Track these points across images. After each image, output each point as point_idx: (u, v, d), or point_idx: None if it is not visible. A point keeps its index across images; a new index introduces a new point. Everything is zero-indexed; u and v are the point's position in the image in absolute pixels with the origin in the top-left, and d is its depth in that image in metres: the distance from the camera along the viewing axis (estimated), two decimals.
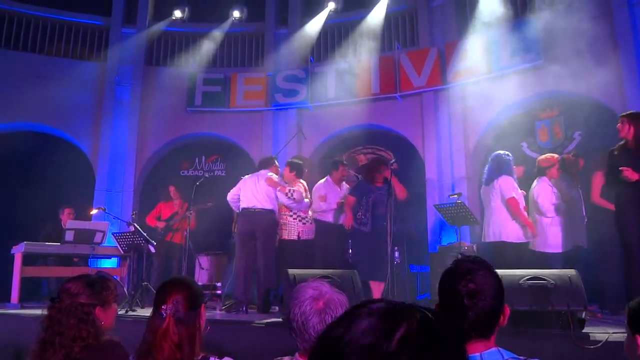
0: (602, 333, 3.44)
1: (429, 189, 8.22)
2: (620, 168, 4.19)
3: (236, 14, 10.01)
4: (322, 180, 6.26)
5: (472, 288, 1.43)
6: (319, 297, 1.62)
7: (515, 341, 3.49)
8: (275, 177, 5.81)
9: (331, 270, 4.22)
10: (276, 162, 6.26)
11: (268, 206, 5.66)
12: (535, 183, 5.41)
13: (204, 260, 7.02)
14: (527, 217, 5.10)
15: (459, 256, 1.64)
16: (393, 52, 9.04)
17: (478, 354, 1.40)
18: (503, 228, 5.06)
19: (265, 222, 5.63)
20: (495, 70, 7.88)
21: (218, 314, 5.46)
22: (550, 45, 7.33)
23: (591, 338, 3.35)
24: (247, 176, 5.98)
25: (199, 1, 10.24)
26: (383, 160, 5.77)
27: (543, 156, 5.60)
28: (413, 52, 8.84)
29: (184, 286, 1.78)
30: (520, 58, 7.64)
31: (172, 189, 7.60)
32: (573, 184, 5.49)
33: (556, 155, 5.58)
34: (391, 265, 5.18)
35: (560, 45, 7.18)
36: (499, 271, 3.74)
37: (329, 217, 6.03)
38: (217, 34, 9.99)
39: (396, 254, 6.38)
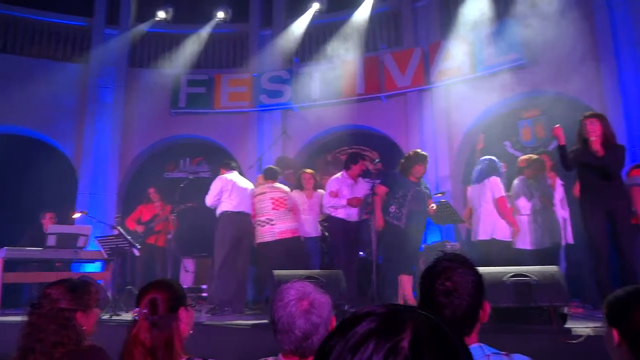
0: (583, 328, 3.50)
1: None
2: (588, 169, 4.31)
3: (220, 14, 9.97)
4: (337, 175, 5.97)
5: (448, 286, 1.45)
6: (303, 297, 1.62)
7: (499, 337, 3.54)
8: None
9: (317, 270, 4.23)
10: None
11: (251, 211, 5.84)
12: (514, 182, 5.61)
13: (189, 263, 6.98)
14: (513, 217, 5.21)
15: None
16: (377, 52, 9.08)
17: None
18: (495, 226, 5.20)
19: (251, 226, 5.76)
20: (478, 71, 7.96)
21: (204, 316, 5.43)
22: (532, 45, 7.41)
23: (573, 333, 3.40)
24: (227, 177, 5.89)
25: (183, 2, 10.18)
26: (421, 155, 5.35)
27: (522, 157, 5.83)
28: (397, 53, 8.88)
29: (162, 288, 1.76)
30: (503, 58, 7.72)
31: (151, 190, 7.51)
32: (550, 183, 5.58)
33: (534, 156, 5.75)
34: (377, 266, 5.20)
35: (542, 46, 7.27)
36: (483, 269, 3.78)
37: (340, 213, 5.69)
38: (201, 35, 9.94)
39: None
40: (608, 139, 4.38)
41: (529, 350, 3.33)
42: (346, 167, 5.90)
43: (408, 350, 0.57)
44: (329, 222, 5.88)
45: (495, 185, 5.25)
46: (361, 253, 6.25)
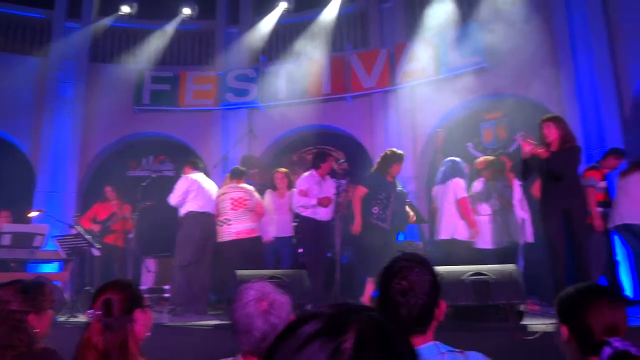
0: (539, 324, 3.60)
1: None
2: (545, 171, 4.44)
3: (186, 11, 9.83)
4: (306, 174, 5.90)
5: (404, 285, 1.47)
6: (263, 298, 1.62)
7: (457, 336, 3.61)
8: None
9: (280, 270, 4.22)
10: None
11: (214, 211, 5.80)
12: (473, 184, 5.76)
13: (150, 263, 6.85)
14: (473, 217, 5.32)
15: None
16: (344, 52, 9.13)
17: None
18: (456, 226, 5.31)
19: (215, 226, 5.70)
20: (442, 72, 8.10)
21: (165, 317, 5.34)
22: (494, 49, 7.58)
23: (529, 329, 3.50)
24: (193, 177, 5.81)
25: None
26: (398, 154, 5.29)
27: (480, 159, 6.01)
28: (363, 54, 8.95)
29: (117, 289, 1.73)
30: (466, 61, 7.88)
31: (108, 189, 7.34)
32: (509, 184, 5.71)
33: (491, 158, 5.94)
34: (340, 266, 5.22)
35: (503, 50, 7.44)
36: (442, 268, 3.84)
37: (309, 213, 5.63)
38: (167, 31, 9.78)
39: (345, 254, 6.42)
40: (565, 141, 4.51)
41: (486, 347, 3.40)
42: (315, 165, 5.84)
43: (352, 351, 0.58)
44: (299, 221, 5.81)
45: (457, 186, 5.35)
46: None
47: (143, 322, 1.75)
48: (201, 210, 5.63)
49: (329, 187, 5.69)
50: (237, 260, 5.13)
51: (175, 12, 9.82)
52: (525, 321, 3.76)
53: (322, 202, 5.55)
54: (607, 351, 1.25)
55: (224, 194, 5.75)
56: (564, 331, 1.42)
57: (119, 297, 1.69)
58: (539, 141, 4.61)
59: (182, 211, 5.71)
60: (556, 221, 4.46)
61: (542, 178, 4.61)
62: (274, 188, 6.12)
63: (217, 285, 5.86)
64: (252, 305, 1.60)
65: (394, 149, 5.45)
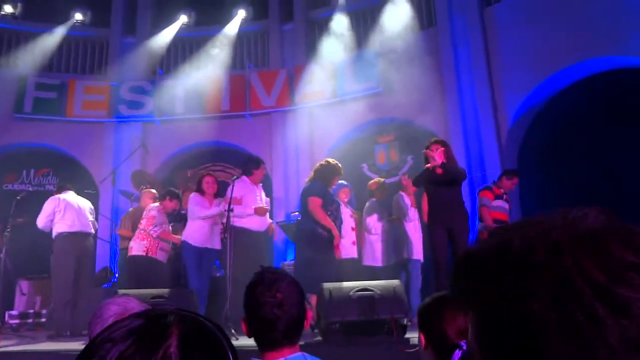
0: None
1: (276, 206, 8.34)
2: (433, 189, 4.70)
3: (78, 16, 9.34)
4: (236, 181, 5.34)
5: (280, 298, 1.46)
6: (124, 313, 1.52)
7: (346, 350, 3.68)
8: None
9: (166, 289, 4.05)
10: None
11: (91, 230, 5.68)
12: (367, 204, 6.01)
13: (24, 285, 6.27)
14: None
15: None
16: (244, 70, 9.12)
17: (282, 358, 1.43)
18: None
19: (90, 245, 5.64)
20: (339, 95, 8.38)
21: (42, 343, 4.89)
22: (387, 76, 7.97)
23: (411, 342, 3.64)
24: (60, 196, 5.60)
25: None
26: (339, 166, 5.04)
27: (372, 180, 6.30)
28: (263, 73, 9.02)
29: None
30: (362, 86, 8.23)
31: None
32: (400, 205, 5.97)
33: (381, 179, 6.25)
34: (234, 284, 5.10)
35: (396, 77, 7.85)
36: (332, 284, 3.88)
37: (247, 223, 5.18)
38: (55, 35, 9.16)
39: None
40: (450, 163, 4.82)
41: None
42: (247, 172, 5.42)
43: (178, 355, 0.56)
44: (234, 232, 5.08)
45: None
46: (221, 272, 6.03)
47: None
48: (71, 230, 5.44)
49: (261, 197, 5.42)
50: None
51: (65, 17, 9.26)
52: (409, 334, 3.90)
53: (259, 212, 5.23)
54: (457, 354, 1.33)
55: None
56: (421, 338, 1.49)
57: None
58: (425, 161, 4.89)
59: (53, 233, 5.49)
60: (443, 240, 4.71)
61: (430, 193, 4.84)
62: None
63: None
64: (112, 322, 1.50)
65: (334, 160, 5.20)
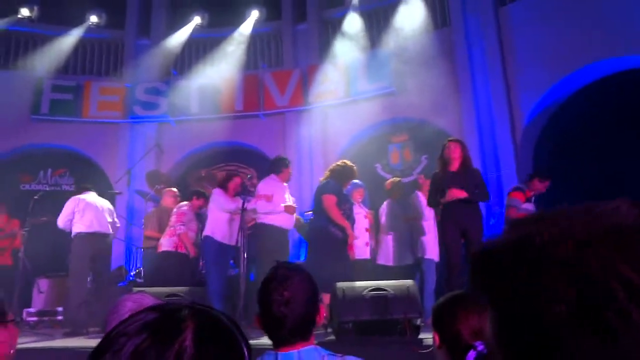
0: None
1: None
2: (447, 189, 4.67)
3: (93, 18, 9.42)
4: (265, 179, 5.47)
5: (287, 296, 1.47)
6: (139, 309, 1.54)
7: (360, 350, 3.67)
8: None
9: (181, 287, 4.08)
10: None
11: (109, 230, 5.73)
12: (383, 204, 6.00)
13: (43, 283, 6.35)
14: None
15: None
16: (258, 70, 9.16)
17: (296, 351, 1.45)
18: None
19: (108, 245, 5.71)
20: (352, 95, 8.37)
21: (58, 340, 4.96)
22: (401, 75, 7.95)
23: (424, 343, 3.62)
24: (80, 197, 5.68)
25: (51, 0, 9.44)
26: (355, 168, 5.13)
27: (388, 180, 6.28)
28: (277, 73, 9.04)
29: None
30: (375, 85, 8.21)
31: None
32: (415, 204, 5.95)
33: (397, 179, 6.21)
34: (247, 282, 5.13)
35: (409, 77, 7.83)
36: (343, 284, 3.87)
37: (276, 220, 5.17)
38: (71, 38, 9.28)
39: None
40: (466, 162, 4.82)
41: None
42: (276, 170, 5.43)
43: (193, 348, 0.57)
44: (263, 230, 5.19)
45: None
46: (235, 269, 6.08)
47: (4, 339, 1.59)
48: (89, 231, 5.50)
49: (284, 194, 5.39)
50: None
51: (80, 19, 9.36)
52: (422, 335, 3.88)
53: (289, 210, 5.24)
54: (471, 354, 1.32)
55: None
56: (435, 337, 1.49)
57: None
58: (441, 159, 4.87)
59: (72, 233, 5.57)
60: (456, 240, 4.68)
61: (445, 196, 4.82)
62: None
63: None
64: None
65: (349, 162, 5.25)
